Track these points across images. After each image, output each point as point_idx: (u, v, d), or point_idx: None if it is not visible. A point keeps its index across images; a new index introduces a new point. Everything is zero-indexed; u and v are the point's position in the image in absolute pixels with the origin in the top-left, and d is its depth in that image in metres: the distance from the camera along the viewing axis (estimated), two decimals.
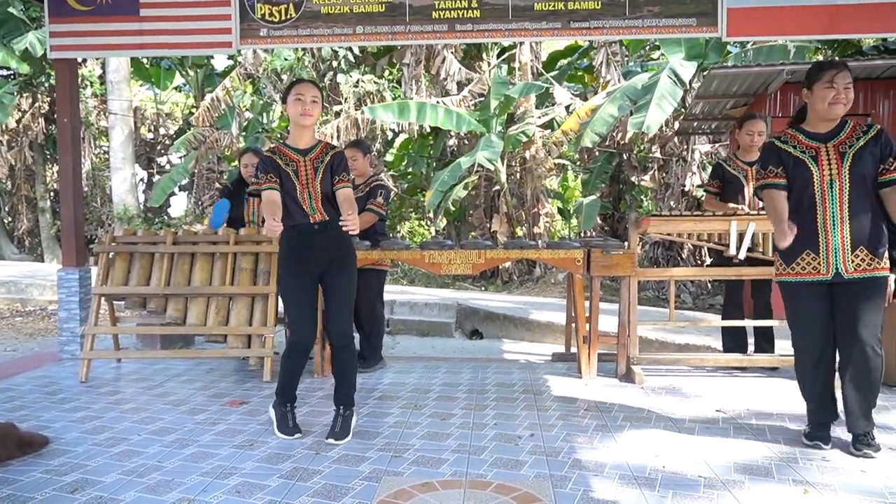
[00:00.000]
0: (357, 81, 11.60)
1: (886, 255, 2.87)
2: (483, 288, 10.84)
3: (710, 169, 7.02)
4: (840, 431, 3.05)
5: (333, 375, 3.28)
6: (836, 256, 2.86)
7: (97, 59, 14.68)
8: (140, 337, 5.40)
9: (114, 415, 3.56)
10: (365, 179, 4.70)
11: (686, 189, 10.38)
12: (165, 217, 15.68)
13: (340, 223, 2.97)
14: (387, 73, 12.75)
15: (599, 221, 10.99)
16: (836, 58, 8.83)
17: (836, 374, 3.00)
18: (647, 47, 11.59)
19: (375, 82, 11.75)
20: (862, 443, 2.89)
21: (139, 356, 4.93)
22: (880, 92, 6.47)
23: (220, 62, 16.02)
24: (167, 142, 16.47)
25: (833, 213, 2.86)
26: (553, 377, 4.35)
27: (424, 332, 7.25)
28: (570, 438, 3.12)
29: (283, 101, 3.23)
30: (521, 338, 6.86)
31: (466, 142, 12.06)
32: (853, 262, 2.84)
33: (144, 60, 15.04)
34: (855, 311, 2.84)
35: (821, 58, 9.26)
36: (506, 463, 2.81)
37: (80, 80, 14.37)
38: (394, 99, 11.26)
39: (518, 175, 11.25)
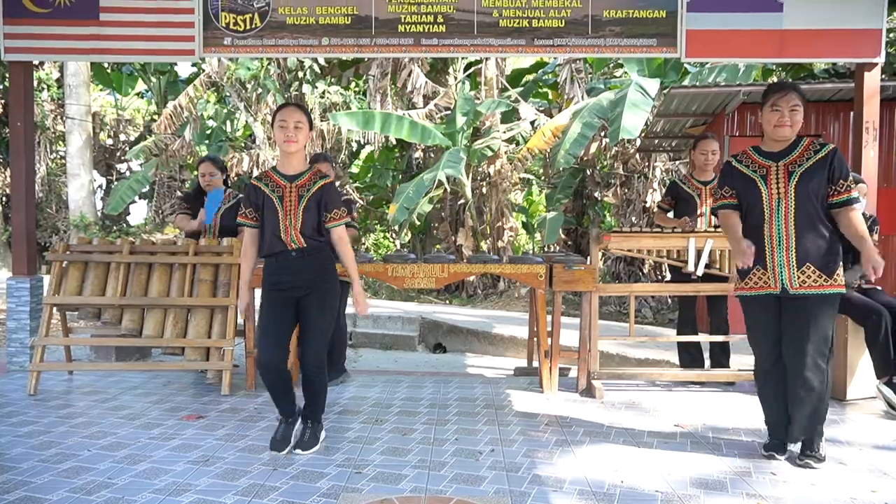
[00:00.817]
0: (323, 92, 11.56)
1: (840, 272, 2.94)
2: (447, 301, 10.84)
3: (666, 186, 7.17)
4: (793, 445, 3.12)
5: (304, 396, 3.23)
6: (782, 272, 2.94)
7: (54, 62, 14.35)
8: (94, 348, 5.25)
9: (63, 429, 3.44)
10: None
11: (647, 205, 10.58)
12: (124, 225, 15.34)
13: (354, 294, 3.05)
14: (353, 84, 12.74)
15: (563, 236, 11.11)
16: (790, 79, 9.13)
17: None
18: (611, 65, 11.82)
19: (341, 93, 11.72)
20: (805, 454, 2.97)
21: (92, 368, 4.79)
22: (831, 114, 6.71)
23: (184, 69, 15.79)
24: (127, 148, 16.15)
25: (779, 230, 2.94)
26: (515, 392, 4.36)
27: (387, 346, 7.21)
28: (530, 453, 3.13)
29: (272, 125, 3.20)
30: (484, 352, 6.88)
31: (432, 155, 12.10)
32: (799, 278, 2.92)
33: (105, 65, 14.75)
34: (800, 326, 2.91)
35: (775, 79, 9.57)
36: (466, 478, 2.80)
37: (36, 83, 14.03)
38: (360, 109, 11.24)
39: (483, 189, 11.31)
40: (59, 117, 15.04)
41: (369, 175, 13.86)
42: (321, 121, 11.34)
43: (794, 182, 2.92)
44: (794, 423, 3.01)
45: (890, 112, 6.52)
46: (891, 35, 8.80)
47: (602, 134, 10.28)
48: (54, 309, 4.37)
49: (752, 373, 3.24)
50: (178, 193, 13.79)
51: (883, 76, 5.01)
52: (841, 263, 2.96)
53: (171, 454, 3.08)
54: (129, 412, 3.80)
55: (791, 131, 2.95)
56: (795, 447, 3.07)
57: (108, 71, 15.17)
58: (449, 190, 11.39)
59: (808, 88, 6.61)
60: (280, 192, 3.12)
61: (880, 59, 4.70)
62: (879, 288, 4.27)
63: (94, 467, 2.89)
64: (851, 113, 5.11)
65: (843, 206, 2.92)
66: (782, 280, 2.94)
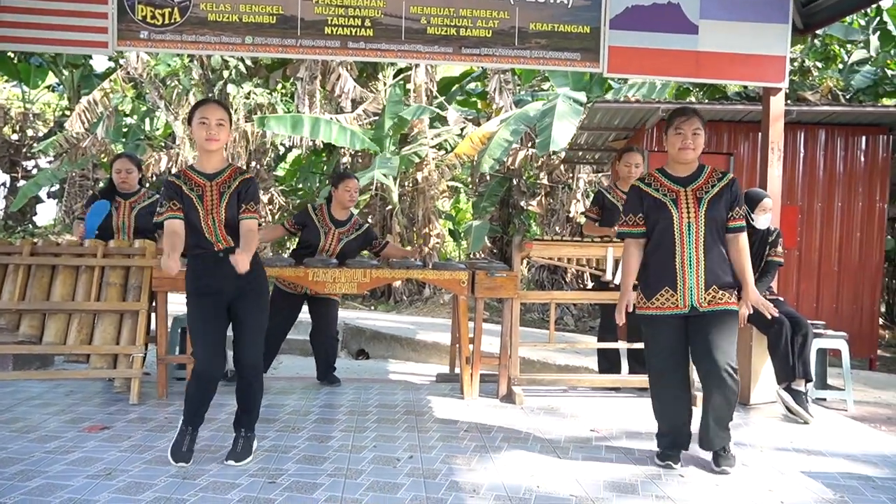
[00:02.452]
0: (248, 93, 11.28)
1: (735, 290, 3.10)
2: (372, 307, 10.76)
3: (592, 196, 7.38)
4: (693, 449, 3.22)
5: (238, 402, 3.11)
6: (691, 293, 3.04)
7: None
8: None
9: None
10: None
11: (571, 215, 10.85)
12: (30, 226, 14.45)
13: (235, 255, 2.83)
14: (280, 86, 12.50)
15: (488, 244, 11.24)
16: (706, 99, 9.60)
17: (690, 401, 3.19)
18: (539, 78, 12.08)
19: (268, 95, 11.47)
20: (720, 459, 3.08)
21: None
22: (742, 134, 7.08)
23: (100, 63, 15.08)
24: (35, 144, 15.25)
25: (690, 254, 3.04)
26: (436, 398, 4.35)
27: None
28: (448, 460, 3.12)
29: (189, 122, 3.07)
30: (407, 358, 6.85)
31: (360, 160, 12.01)
32: (706, 297, 3.04)
33: (11, 54, 13.88)
34: (710, 339, 3.01)
35: (692, 99, 10.04)
36: (383, 486, 2.76)
37: None
38: (287, 112, 11.04)
39: (410, 196, 11.32)
40: None
41: (295, 178, 13.62)
42: (246, 122, 11.06)
43: (703, 208, 3.04)
44: (711, 431, 3.08)
45: (793, 135, 6.94)
46: (794, 64, 9.41)
47: (529, 144, 10.48)
48: None
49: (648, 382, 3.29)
50: (91, 193, 13.13)
51: (787, 101, 5.33)
52: (735, 282, 3.11)
53: (70, 468, 2.89)
54: (24, 424, 3.55)
55: (694, 154, 3.07)
56: (707, 455, 3.17)
57: (15, 61, 14.29)
58: (378, 196, 11.33)
59: (721, 109, 6.97)
60: (200, 191, 3.01)
61: (784, 85, 4.99)
62: (781, 299, 4.52)
63: None
64: (760, 134, 5.40)
65: (736, 231, 3.09)
66: (691, 300, 3.04)
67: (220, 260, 2.99)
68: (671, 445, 3.16)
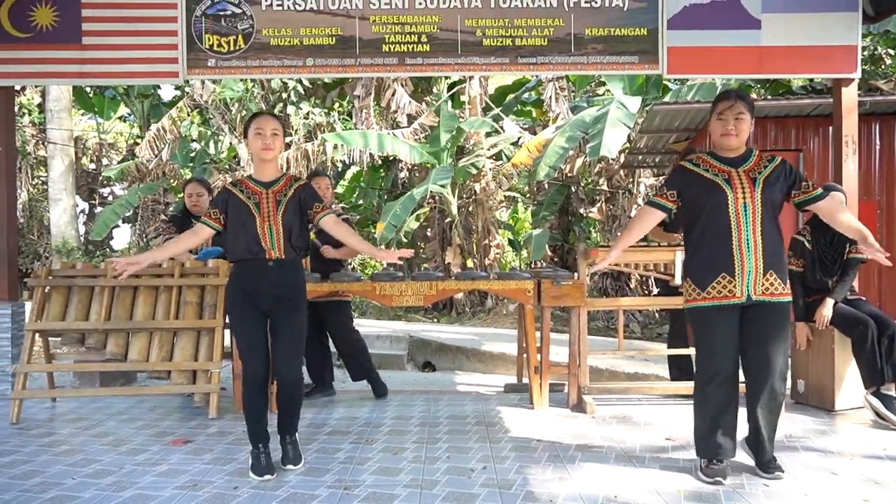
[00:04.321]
0: (307, 113, 11.59)
1: (788, 281, 2.95)
2: (435, 320, 10.81)
3: None
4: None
5: (281, 410, 3.19)
6: (749, 279, 2.87)
7: (36, 86, 14.27)
8: (77, 375, 5.16)
9: (46, 458, 3.37)
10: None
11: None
12: (108, 250, 15.18)
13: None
14: (336, 105, 12.79)
15: (549, 252, 11.16)
16: (769, 96, 9.29)
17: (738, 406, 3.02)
18: (594, 83, 11.96)
19: (326, 114, 11.75)
20: (770, 466, 2.95)
21: (76, 394, 4.70)
22: (810, 129, 6.81)
23: (167, 92, 15.78)
24: (106, 170, 16.06)
25: (747, 236, 2.88)
26: (505, 408, 4.34)
27: (376, 365, 7.14)
28: (522, 470, 3.10)
29: (245, 135, 3.20)
30: (473, 369, 6.85)
31: (417, 174, 12.14)
32: (763, 285, 2.88)
33: (87, 89, 14.70)
34: (766, 335, 2.88)
35: (754, 95, 9.73)
36: (458, 497, 2.77)
37: (17, 108, 13.94)
38: (345, 130, 11.29)
39: (469, 207, 11.35)
40: (40, 142, 14.94)
41: (355, 195, 13.87)
42: (306, 142, 11.35)
43: (759, 188, 2.90)
44: (764, 438, 2.95)
45: (867, 127, 6.64)
46: (865, 52, 9.01)
47: (587, 150, 10.37)
48: (36, 335, 4.30)
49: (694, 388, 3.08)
50: (162, 216, 13.70)
51: (860, 91, 5.11)
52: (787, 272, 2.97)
53: (158, 480, 3.02)
54: (114, 438, 3.72)
55: (737, 140, 2.94)
56: (750, 460, 3.04)
57: (90, 95, 15.11)
58: (436, 209, 11.42)
59: (787, 104, 6.73)
60: (256, 199, 3.11)
61: (857, 75, 4.80)
62: (864, 298, 4.31)
63: (79, 496, 2.82)
64: (830, 128, 5.20)
65: (819, 199, 2.93)
66: (748, 288, 2.87)
67: (268, 269, 3.07)
68: (717, 456, 2.95)
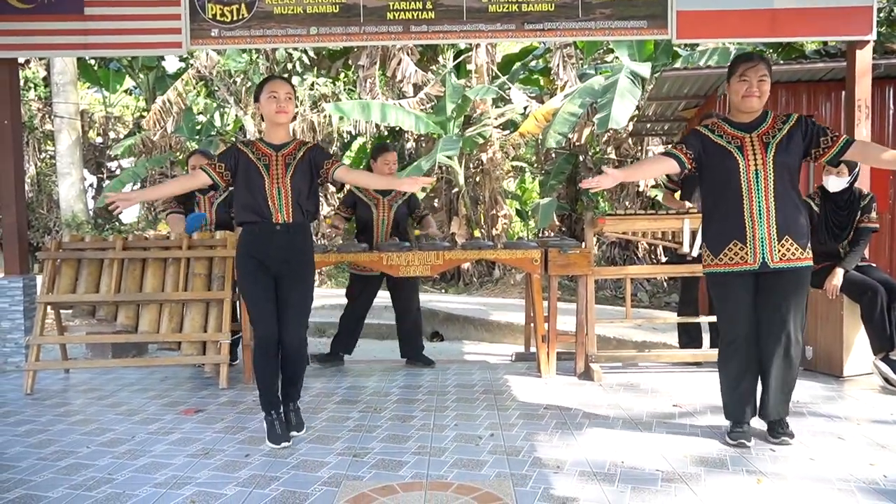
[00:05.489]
0: (312, 84, 11.49)
1: (809, 245, 2.92)
2: (443, 290, 10.84)
3: None
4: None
5: (285, 376, 3.21)
6: (762, 246, 2.87)
7: (40, 59, 14.20)
8: (89, 346, 5.22)
9: (61, 427, 3.43)
10: None
11: (641, 189, 10.57)
12: (117, 223, 15.25)
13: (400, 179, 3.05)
14: (342, 75, 12.67)
15: (557, 222, 11.11)
16: (781, 60, 9.13)
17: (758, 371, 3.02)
18: (602, 50, 11.77)
19: (332, 84, 11.66)
20: (779, 432, 2.97)
21: (88, 366, 4.77)
22: (822, 94, 6.69)
23: (171, 64, 15.67)
24: (114, 146, 16.05)
25: (759, 203, 2.87)
26: (513, 377, 4.37)
27: (384, 336, 7.19)
28: (530, 437, 3.13)
29: (256, 99, 3.18)
30: (481, 339, 6.88)
31: (424, 144, 12.06)
32: (779, 251, 2.87)
33: (92, 62, 14.62)
34: (781, 302, 2.87)
35: None
36: (466, 463, 2.80)
37: (23, 81, 13.89)
38: (350, 100, 11.20)
39: (476, 177, 11.29)
40: (46, 116, 14.92)
41: (361, 166, 13.80)
42: (311, 112, 11.28)
43: (771, 153, 2.87)
44: (773, 401, 2.97)
45: (881, 91, 6.51)
46: (880, 14, 8.81)
47: (595, 119, 10.26)
48: (48, 308, 4.34)
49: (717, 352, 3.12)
50: None
51: (874, 55, 5.00)
52: (808, 236, 2.93)
53: (171, 448, 3.07)
54: (127, 408, 3.78)
55: (759, 102, 2.90)
56: (762, 425, 3.06)
57: (95, 68, 15.04)
58: (443, 179, 11.37)
59: (799, 69, 6.60)
60: (266, 161, 3.11)
61: (872, 37, 4.69)
62: (874, 265, 4.28)
63: (93, 464, 2.88)
64: (843, 92, 5.09)
65: (845, 150, 2.87)
66: (763, 254, 2.87)
67: (276, 232, 3.07)
68: (742, 420, 3.00)
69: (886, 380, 3.84)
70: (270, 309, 3.09)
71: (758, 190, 2.87)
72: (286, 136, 3.20)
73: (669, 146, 3.11)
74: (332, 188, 11.67)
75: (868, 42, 4.72)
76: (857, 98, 4.75)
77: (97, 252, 4.36)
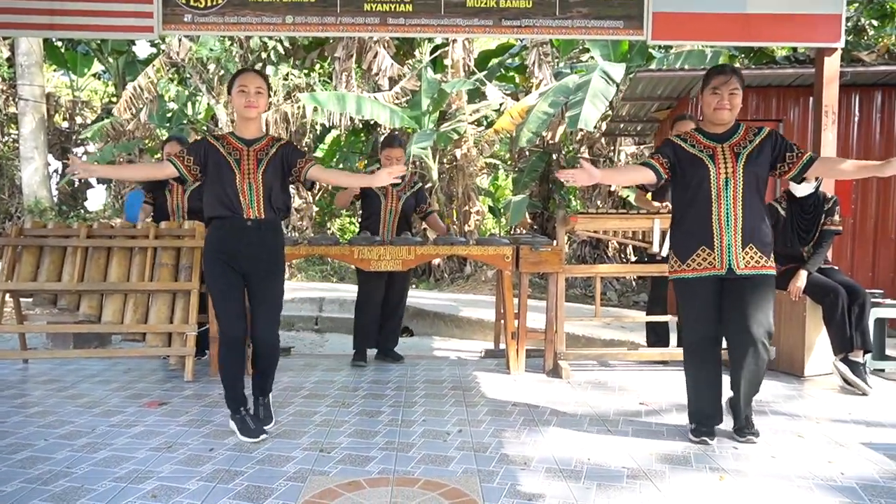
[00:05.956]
0: (287, 74, 11.35)
1: (772, 255, 2.99)
2: (414, 286, 10.81)
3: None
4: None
5: (257, 372, 3.18)
6: (729, 253, 2.94)
7: (4, 39, 13.78)
8: (50, 336, 5.10)
9: (17, 419, 3.33)
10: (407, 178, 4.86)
11: (612, 189, 10.67)
12: (82, 211, 14.90)
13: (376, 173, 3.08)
14: (317, 66, 12.54)
15: (529, 220, 11.16)
16: (752, 65, 9.28)
17: (722, 374, 3.09)
18: (577, 49, 11.84)
19: (306, 75, 11.53)
20: (745, 429, 3.03)
21: (49, 356, 4.65)
22: (791, 99, 6.82)
23: (142, 49, 15.35)
24: (83, 131, 15.65)
25: (727, 211, 2.94)
26: (482, 373, 4.37)
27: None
28: (497, 434, 3.14)
29: (229, 91, 3.13)
30: (451, 335, 6.88)
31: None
32: (744, 258, 2.94)
33: (59, 44, 14.24)
34: (746, 308, 2.92)
35: (737, 64, 9.71)
36: (434, 459, 2.80)
37: None
38: (325, 91, 11.09)
39: (450, 173, 11.28)
40: (10, 98, 14.48)
41: (335, 159, 13.70)
42: (285, 102, 11.15)
43: (741, 163, 2.94)
44: (739, 402, 3.03)
45: (847, 98, 6.66)
46: (848, 23, 9.00)
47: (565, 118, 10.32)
48: (7, 295, 4.22)
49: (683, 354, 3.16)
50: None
51: (842, 63, 5.10)
52: (772, 245, 3.00)
53: (133, 441, 3.01)
54: (88, 400, 3.69)
55: (730, 114, 2.97)
56: (728, 425, 3.11)
57: (63, 50, 14.64)
58: (417, 173, 11.33)
59: (769, 74, 6.71)
60: (237, 155, 3.06)
61: (840, 45, 4.78)
62: (836, 267, 4.38)
63: (51, 457, 2.81)
64: (811, 98, 5.19)
65: (808, 167, 2.96)
66: (729, 260, 2.94)
67: (247, 228, 3.03)
68: (705, 421, 3.05)
69: (845, 380, 3.93)
70: (236, 308, 3.04)
71: (727, 198, 2.94)
72: (258, 130, 3.15)
73: (647, 156, 3.15)
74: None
75: (836, 49, 4.81)
76: (825, 104, 4.84)
77: (60, 239, 4.25)
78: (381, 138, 5.18)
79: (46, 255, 4.23)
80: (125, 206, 4.53)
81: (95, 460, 2.77)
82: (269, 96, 3.13)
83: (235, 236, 3.03)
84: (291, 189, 3.42)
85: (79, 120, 16.06)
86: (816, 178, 4.12)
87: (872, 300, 4.19)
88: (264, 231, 3.06)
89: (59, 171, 15.57)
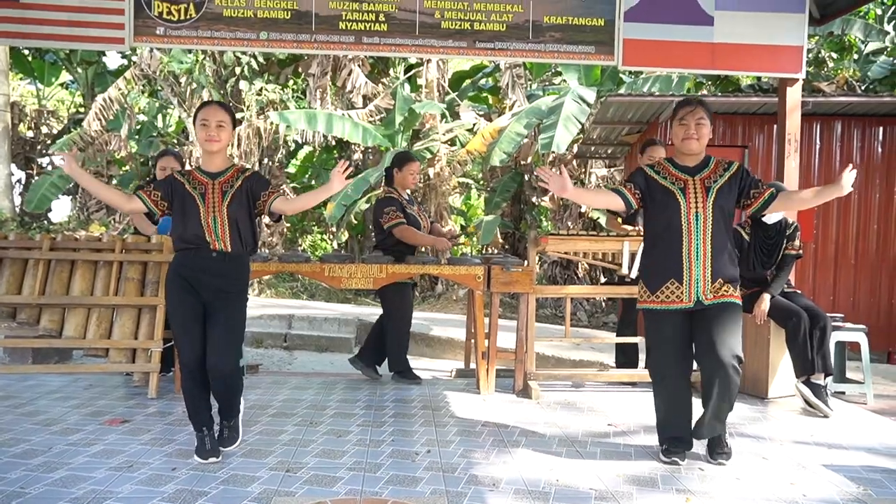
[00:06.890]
0: (260, 89, 11.30)
1: (738, 286, 3.06)
2: None
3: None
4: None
5: (220, 401, 3.11)
6: (697, 287, 2.99)
7: None
8: (8, 351, 4.94)
9: None
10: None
11: (583, 211, 10.80)
12: (45, 222, 14.54)
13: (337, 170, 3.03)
14: (291, 83, 12.51)
15: (500, 240, 11.22)
16: (718, 93, 9.53)
17: (691, 397, 3.13)
18: (550, 72, 12.03)
19: (279, 91, 11.49)
20: (717, 450, 3.06)
21: (6, 371, 4.50)
22: (756, 126, 7.02)
23: (113, 60, 15.14)
24: (49, 142, 15.33)
25: (697, 246, 2.99)
26: (452, 393, 4.36)
27: (323, 348, 7.09)
28: (466, 454, 3.12)
29: (194, 122, 3.10)
30: (421, 354, 6.85)
31: (371, 156, 12.01)
32: (712, 290, 2.99)
33: (26, 52, 13.98)
34: (715, 335, 2.96)
35: (705, 92, 9.96)
36: (402, 480, 2.77)
37: None
38: (299, 108, 11.07)
39: (422, 192, 11.30)
40: None
41: (307, 175, 13.65)
42: (258, 118, 11.09)
43: (711, 198, 3.00)
44: (709, 424, 3.05)
45: (809, 127, 6.88)
46: (809, 55, 9.32)
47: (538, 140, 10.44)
48: None
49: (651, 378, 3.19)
50: (147, 180, 13.14)
51: (803, 93, 5.27)
52: (738, 277, 3.08)
53: (92, 460, 2.92)
54: (46, 417, 3.58)
55: (698, 144, 3.04)
56: (701, 447, 3.14)
57: (30, 59, 14.38)
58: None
59: (735, 101, 6.90)
60: (202, 189, 3.04)
61: (801, 75, 4.94)
62: (799, 291, 4.48)
63: (4, 476, 2.71)
64: (775, 126, 5.34)
65: (769, 203, 3.05)
66: (697, 293, 2.98)
67: (212, 259, 3.01)
68: (675, 443, 3.08)
69: (807, 402, 4.00)
70: (196, 334, 2.99)
71: (697, 232, 2.99)
72: (223, 163, 3.13)
73: (619, 182, 3.20)
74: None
75: (798, 80, 4.97)
76: (788, 132, 4.99)
77: (21, 251, 4.14)
78: (393, 156, 5.10)
79: (6, 267, 4.12)
80: (159, 230, 4.37)
81: (51, 480, 2.68)
82: (234, 128, 3.10)
83: (200, 266, 3.01)
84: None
85: (45, 129, 15.74)
86: None
87: (833, 324, 4.29)
88: (229, 263, 3.03)
89: (23, 182, 15.22)
